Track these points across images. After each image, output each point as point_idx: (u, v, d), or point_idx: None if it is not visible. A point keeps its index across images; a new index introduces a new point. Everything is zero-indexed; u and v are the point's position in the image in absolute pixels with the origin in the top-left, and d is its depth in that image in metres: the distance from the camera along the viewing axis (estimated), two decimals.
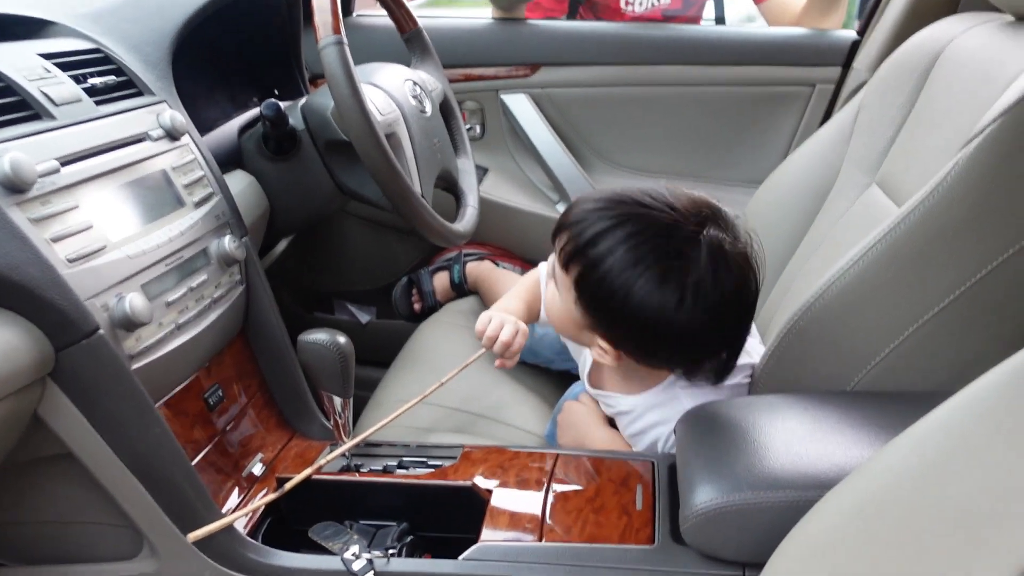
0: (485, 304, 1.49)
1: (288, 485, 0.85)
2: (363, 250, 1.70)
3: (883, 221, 0.89)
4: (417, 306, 1.57)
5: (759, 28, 1.69)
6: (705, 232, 0.84)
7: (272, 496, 0.85)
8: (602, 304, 0.87)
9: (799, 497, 0.70)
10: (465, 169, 1.32)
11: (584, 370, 1.10)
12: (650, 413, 0.98)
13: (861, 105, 1.26)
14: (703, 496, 0.74)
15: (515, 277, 1.48)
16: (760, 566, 0.65)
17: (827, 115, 1.57)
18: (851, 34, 1.59)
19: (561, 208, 1.64)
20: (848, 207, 1.20)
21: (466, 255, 1.59)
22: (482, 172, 1.65)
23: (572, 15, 1.80)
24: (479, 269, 1.55)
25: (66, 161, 0.77)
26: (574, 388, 1.19)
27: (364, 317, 1.73)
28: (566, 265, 0.89)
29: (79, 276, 0.72)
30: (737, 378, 0.96)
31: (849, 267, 0.91)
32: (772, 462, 0.76)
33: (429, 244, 1.65)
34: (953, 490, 0.56)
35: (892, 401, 0.87)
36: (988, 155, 0.83)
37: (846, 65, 1.57)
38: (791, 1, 1.73)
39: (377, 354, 1.44)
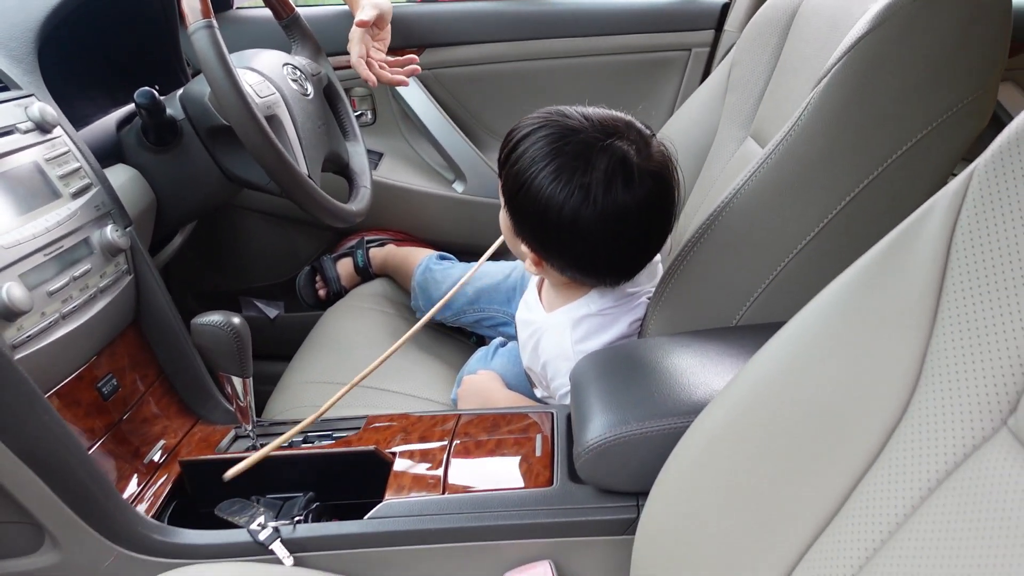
0: (400, 284, 1.50)
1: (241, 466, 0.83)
2: (264, 244, 1.68)
3: None
4: (322, 292, 1.58)
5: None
6: (609, 142, 0.90)
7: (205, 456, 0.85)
8: (514, 198, 0.93)
9: (680, 423, 0.74)
10: (355, 151, 1.33)
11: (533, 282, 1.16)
12: (544, 336, 1.03)
13: (732, 63, 1.31)
14: (593, 433, 0.77)
15: (422, 252, 1.49)
16: None
17: (705, 77, 1.62)
18: None
19: (458, 187, 1.67)
20: (728, 160, 1.26)
21: (368, 241, 1.59)
22: (377, 157, 1.66)
23: None
24: (383, 252, 1.56)
25: None
26: (471, 363, 1.22)
27: (272, 312, 1.72)
28: (500, 171, 0.96)
29: None
30: (633, 316, 1.00)
31: (721, 210, 0.95)
32: (655, 395, 0.79)
33: (330, 233, 1.66)
34: (806, 389, 0.60)
35: (769, 331, 0.92)
36: (834, 93, 0.88)
37: (718, 28, 1.63)
38: None
39: (288, 347, 1.44)
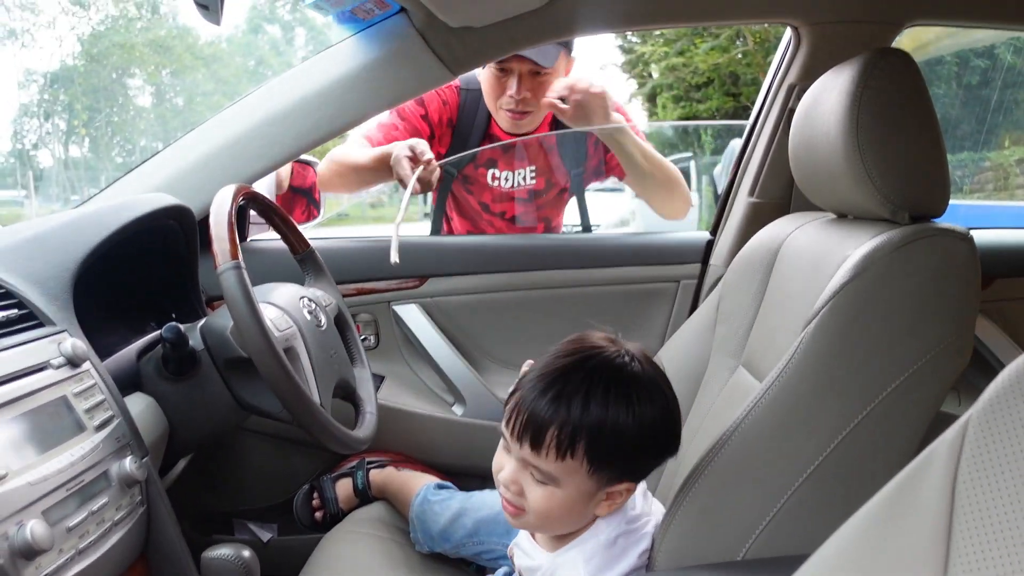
0: (398, 509, 1.50)
1: None
2: (262, 465, 1.69)
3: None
4: (319, 515, 1.56)
5: (626, 234, 1.86)
6: (628, 355, 1.00)
7: None
8: (604, 447, 0.94)
9: None
10: (362, 377, 1.37)
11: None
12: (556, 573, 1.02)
13: (720, 297, 1.40)
14: None
15: (423, 477, 1.50)
16: None
17: (693, 306, 1.72)
18: (705, 235, 1.79)
19: (457, 410, 1.70)
20: (721, 388, 1.31)
21: (368, 463, 1.60)
22: (379, 380, 1.70)
23: (446, 188, 1.98)
24: (383, 475, 1.56)
25: None
26: None
27: (265, 535, 1.69)
28: (566, 451, 0.94)
29: None
30: (641, 547, 1.01)
31: (723, 444, 0.99)
32: None
33: (329, 455, 1.66)
34: None
35: (775, 566, 0.93)
36: (823, 335, 0.95)
37: (704, 262, 1.75)
38: None
39: (280, 573, 1.42)
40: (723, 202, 1.78)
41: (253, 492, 1.70)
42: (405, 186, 1.65)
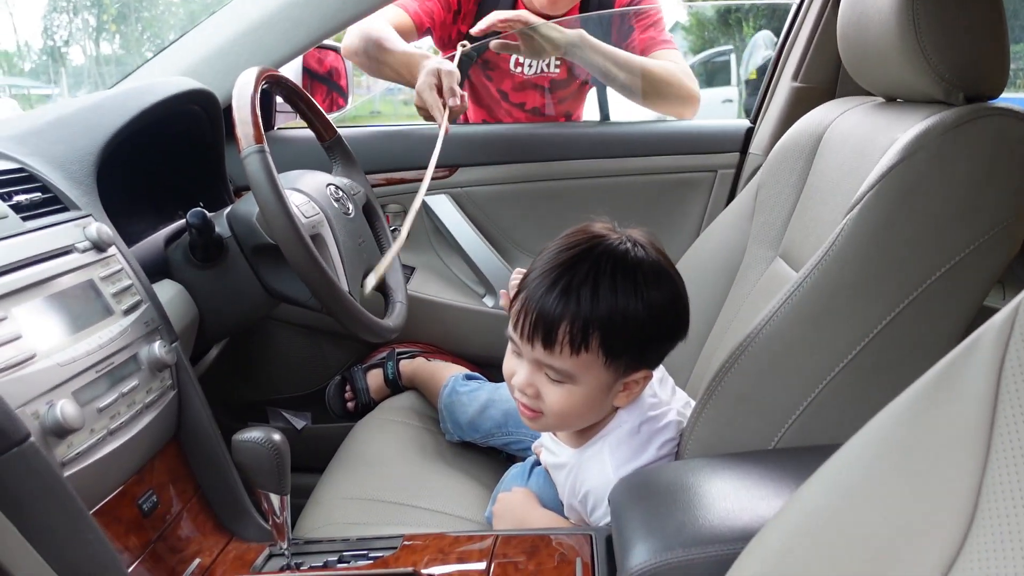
0: (428, 399, 1.51)
1: None
2: (294, 355, 1.70)
3: None
4: (351, 404, 1.58)
5: (663, 122, 1.80)
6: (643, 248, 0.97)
7: None
8: (625, 338, 0.93)
9: (727, 550, 0.73)
10: (392, 267, 1.36)
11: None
12: (581, 470, 1.01)
13: (759, 186, 1.35)
14: (638, 557, 0.76)
15: (450, 367, 1.51)
16: None
17: (730, 197, 1.67)
18: (745, 123, 1.72)
19: (488, 301, 1.69)
20: (757, 280, 1.28)
21: (399, 353, 1.61)
22: (409, 271, 1.69)
23: (463, 72, 1.86)
24: (412, 365, 1.57)
25: None
26: (506, 480, 1.21)
27: (299, 423, 1.72)
28: (580, 345, 0.92)
29: (9, 385, 0.73)
30: (664, 437, 1.00)
31: (757, 332, 0.96)
32: (701, 520, 0.79)
33: (361, 345, 1.67)
34: (861, 523, 0.60)
35: (808, 454, 0.91)
36: (867, 220, 0.91)
37: (743, 151, 1.69)
38: None
39: (314, 459, 1.44)
40: (764, 88, 1.70)
41: (286, 382, 1.72)
42: (426, 114, 1.59)
